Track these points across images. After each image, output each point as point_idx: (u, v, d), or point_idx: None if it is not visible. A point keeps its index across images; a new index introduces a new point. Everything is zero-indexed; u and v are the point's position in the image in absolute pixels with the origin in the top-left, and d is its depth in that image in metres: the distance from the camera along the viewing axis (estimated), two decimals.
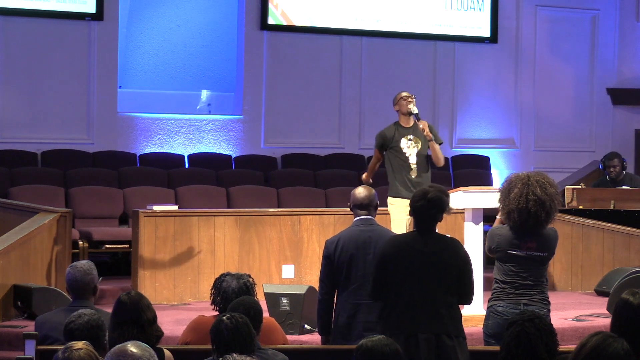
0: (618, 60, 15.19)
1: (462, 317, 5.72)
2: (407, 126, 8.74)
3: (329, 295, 6.24)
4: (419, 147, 8.70)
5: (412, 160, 8.67)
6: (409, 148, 8.69)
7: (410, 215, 5.73)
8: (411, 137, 8.69)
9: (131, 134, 12.83)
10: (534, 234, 6.09)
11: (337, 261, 6.18)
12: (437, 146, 8.73)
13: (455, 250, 5.63)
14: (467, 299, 5.71)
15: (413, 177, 8.60)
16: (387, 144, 8.73)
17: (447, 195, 5.72)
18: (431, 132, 8.66)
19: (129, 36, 13.44)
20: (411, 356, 5.35)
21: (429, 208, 5.60)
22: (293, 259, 9.96)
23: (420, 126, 8.65)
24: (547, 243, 6.13)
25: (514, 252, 6.08)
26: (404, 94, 8.84)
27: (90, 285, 5.79)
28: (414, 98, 8.81)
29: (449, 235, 5.86)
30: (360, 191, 6.36)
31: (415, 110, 8.69)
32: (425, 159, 8.75)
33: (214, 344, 4.71)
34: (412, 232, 5.74)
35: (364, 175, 9.02)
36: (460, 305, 5.70)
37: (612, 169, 11.41)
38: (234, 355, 3.70)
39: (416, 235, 5.66)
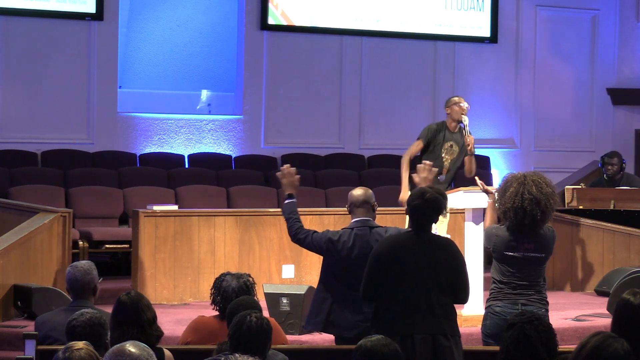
0: (618, 60, 15.18)
1: (463, 317, 5.72)
2: (454, 132, 9.11)
3: (298, 237, 6.35)
4: (455, 155, 9.08)
5: (447, 165, 9.05)
6: (447, 153, 9.05)
7: (406, 213, 5.73)
8: (452, 143, 9.08)
9: (131, 134, 12.82)
10: (531, 234, 6.07)
11: (334, 249, 6.21)
12: (474, 159, 9.11)
13: (449, 251, 5.61)
14: (463, 299, 5.71)
15: (441, 181, 8.85)
16: (432, 141, 9.03)
17: (445, 198, 5.71)
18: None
19: (129, 36, 13.43)
20: (407, 357, 5.35)
21: (425, 208, 5.59)
22: (293, 259, 9.95)
23: (467, 140, 8.97)
24: (545, 244, 6.11)
25: (510, 254, 6.07)
26: (457, 99, 9.16)
27: (90, 285, 5.80)
28: (468, 108, 9.08)
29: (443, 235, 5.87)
30: (357, 191, 6.36)
31: (466, 121, 9.00)
32: (456, 168, 9.14)
33: (229, 333, 4.71)
34: (407, 231, 5.73)
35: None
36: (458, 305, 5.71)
37: (610, 167, 11.47)
38: (236, 355, 3.69)
39: (411, 235, 5.64)
